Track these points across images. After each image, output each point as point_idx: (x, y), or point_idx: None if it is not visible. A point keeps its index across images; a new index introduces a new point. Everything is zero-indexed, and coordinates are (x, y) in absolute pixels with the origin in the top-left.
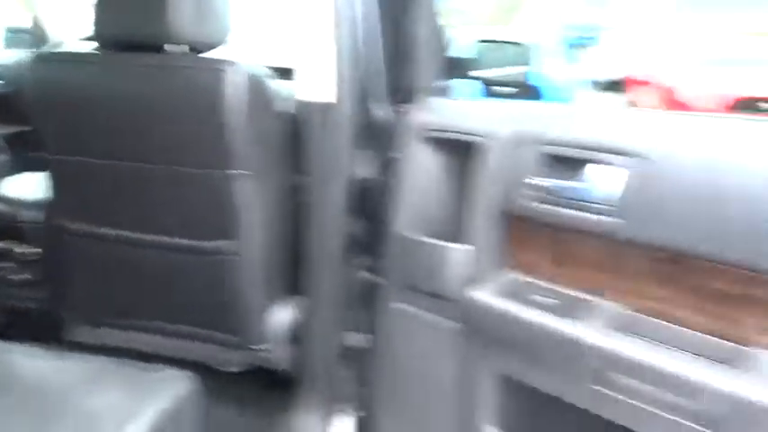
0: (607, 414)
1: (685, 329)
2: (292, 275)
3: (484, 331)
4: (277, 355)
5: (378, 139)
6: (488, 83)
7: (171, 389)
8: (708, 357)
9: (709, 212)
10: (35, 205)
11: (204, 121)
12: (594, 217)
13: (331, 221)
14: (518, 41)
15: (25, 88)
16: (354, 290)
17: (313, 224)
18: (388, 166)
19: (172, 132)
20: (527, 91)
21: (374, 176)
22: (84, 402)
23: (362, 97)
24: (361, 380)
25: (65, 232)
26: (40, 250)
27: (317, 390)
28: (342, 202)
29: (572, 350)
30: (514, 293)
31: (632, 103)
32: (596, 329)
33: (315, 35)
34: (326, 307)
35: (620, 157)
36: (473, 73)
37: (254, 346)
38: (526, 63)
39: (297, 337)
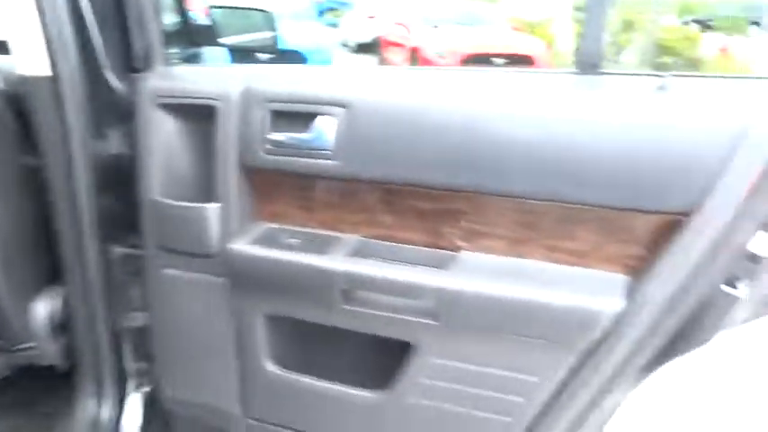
0: (358, 327)
1: (408, 246)
2: (50, 264)
3: (246, 279)
4: (46, 350)
5: (119, 109)
6: (235, 50)
7: None
8: (427, 265)
9: (407, 147)
10: None
11: None
12: (318, 162)
13: (78, 202)
14: (256, 7)
15: None
16: (121, 268)
17: (59, 207)
18: (131, 136)
19: None
20: (284, 56)
21: (122, 148)
22: None
23: (93, 68)
24: (143, 356)
25: None
26: None
27: (98, 377)
28: (88, 180)
29: (322, 279)
30: (268, 240)
31: (385, 63)
32: (339, 258)
33: (19, 3)
34: (90, 291)
35: (329, 108)
36: (220, 40)
37: (16, 347)
38: (272, 29)
39: (64, 327)
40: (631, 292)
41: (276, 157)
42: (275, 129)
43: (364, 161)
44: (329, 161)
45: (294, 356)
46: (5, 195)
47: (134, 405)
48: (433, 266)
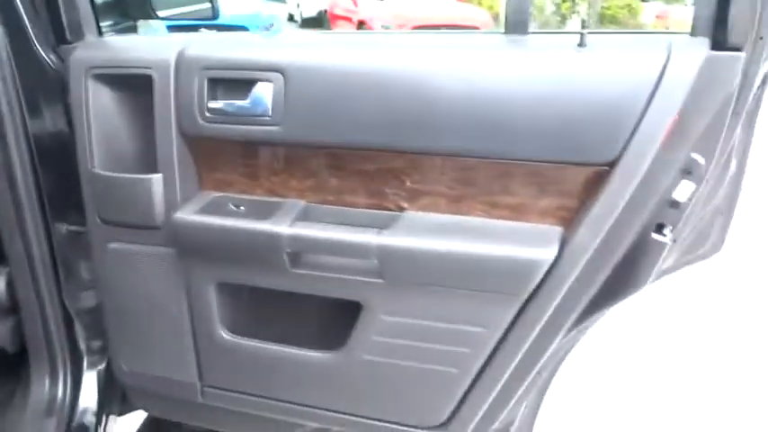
0: (308, 290)
1: (354, 209)
2: None
3: (194, 248)
4: None
5: (53, 84)
6: (172, 23)
7: None
8: (372, 227)
9: (344, 110)
10: None
11: None
12: (258, 128)
13: (16, 181)
14: None
15: None
16: (69, 246)
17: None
18: (68, 109)
19: None
20: (229, 31)
21: (61, 124)
22: None
23: (21, 42)
24: (98, 334)
25: None
26: None
27: (51, 357)
28: (23, 158)
29: (269, 244)
30: (213, 209)
31: None
32: (284, 222)
33: None
34: (35, 271)
35: (266, 73)
36: (157, 13)
37: None
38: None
39: (12, 308)
40: (565, 242)
41: (216, 125)
42: (213, 96)
43: (303, 126)
44: (269, 127)
45: (248, 323)
46: None
47: (90, 383)
48: (377, 227)
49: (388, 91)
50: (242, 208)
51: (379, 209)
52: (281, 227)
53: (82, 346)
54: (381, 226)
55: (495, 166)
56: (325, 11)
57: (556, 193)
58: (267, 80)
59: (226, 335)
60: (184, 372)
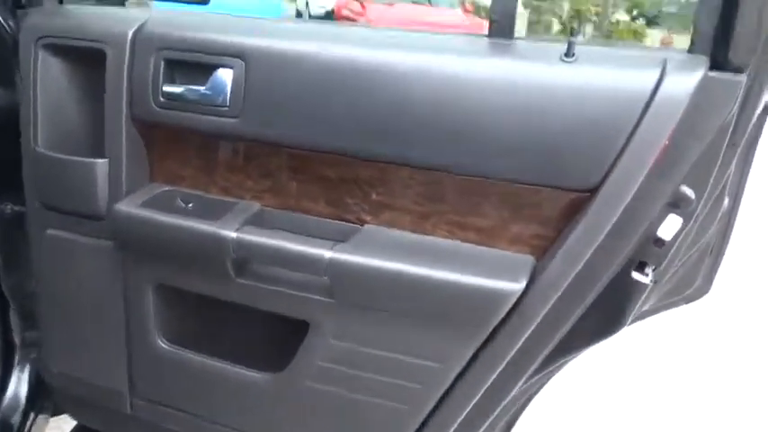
0: (251, 302)
1: (311, 217)
2: None
3: (133, 244)
4: None
5: (9, 51)
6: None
7: None
8: (327, 238)
9: (310, 107)
10: None
11: None
12: (214, 119)
13: None
14: None
15: None
16: (9, 228)
17: None
18: (15, 79)
19: None
20: None
21: (11, 95)
22: None
23: None
24: (33, 325)
25: None
26: None
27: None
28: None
29: (213, 247)
30: (159, 203)
31: None
32: (230, 224)
33: None
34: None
35: (226, 59)
36: None
37: None
38: None
39: None
40: (536, 274)
41: (170, 112)
42: (169, 80)
43: (263, 120)
44: (226, 119)
45: (186, 332)
46: None
47: (19, 378)
48: (335, 240)
49: (357, 90)
50: (190, 205)
51: (338, 219)
52: (227, 230)
53: (16, 336)
54: (339, 239)
55: (466, 183)
56: (332, 10)
57: (529, 219)
58: (227, 66)
59: (162, 343)
60: (114, 379)
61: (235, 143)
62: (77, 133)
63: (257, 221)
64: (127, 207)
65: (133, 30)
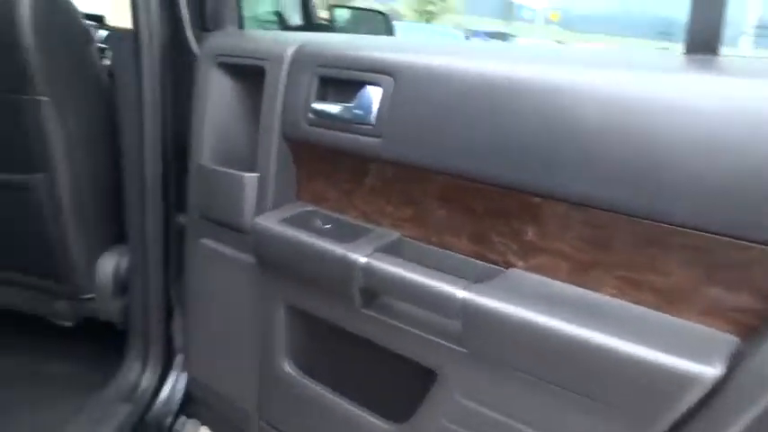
0: (375, 337)
1: (451, 253)
2: (115, 221)
3: (269, 259)
4: (105, 305)
5: (185, 67)
6: None
7: None
8: (468, 278)
9: (462, 130)
10: None
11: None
12: (358, 138)
13: (146, 167)
14: (374, 9)
15: None
16: (182, 239)
17: (128, 169)
18: (191, 94)
19: None
20: None
21: (183, 106)
22: None
23: (174, 25)
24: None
25: None
26: None
27: (146, 344)
28: (158, 144)
29: (341, 271)
30: (298, 221)
31: None
32: (362, 249)
33: None
34: (147, 257)
35: (376, 76)
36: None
37: (81, 296)
38: (389, 32)
39: (124, 287)
40: (738, 359)
41: (318, 129)
42: (321, 97)
43: (408, 141)
44: (370, 138)
45: (314, 359)
46: (86, 141)
47: (175, 381)
48: (476, 280)
49: (517, 113)
50: (328, 226)
51: (482, 259)
52: (357, 254)
53: (178, 341)
54: (480, 279)
55: (643, 228)
56: None
57: (731, 284)
58: (376, 83)
59: (289, 368)
60: (245, 397)
61: (378, 165)
62: (236, 148)
63: (392, 250)
64: (265, 221)
65: (293, 48)
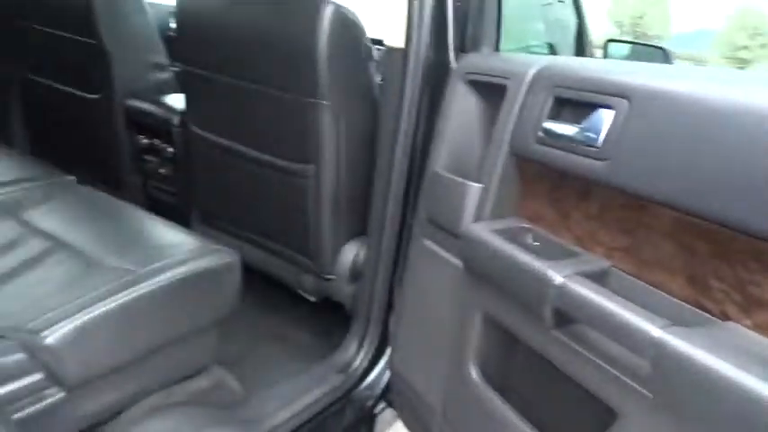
0: (560, 361)
1: (665, 295)
2: (362, 215)
3: (475, 268)
4: (340, 288)
5: (440, 83)
6: None
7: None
8: (675, 321)
9: (696, 162)
10: (181, 113)
11: (298, 51)
12: (582, 159)
13: (394, 166)
14: (654, 44)
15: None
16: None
17: (379, 167)
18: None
19: (270, 59)
20: None
21: (432, 118)
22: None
23: (440, 47)
24: None
25: (190, 135)
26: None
27: (365, 328)
28: (407, 147)
29: (536, 287)
30: (507, 234)
31: None
32: (563, 271)
33: None
34: (383, 249)
35: (611, 98)
36: None
37: (324, 275)
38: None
39: (358, 274)
40: None
41: (545, 148)
42: (553, 117)
43: (635, 168)
44: (594, 160)
45: (499, 370)
46: (353, 143)
47: (385, 369)
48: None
49: (762, 149)
50: (537, 244)
51: (695, 305)
52: (555, 273)
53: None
54: (686, 325)
55: None
56: None
57: None
58: (610, 106)
59: (474, 374)
60: (434, 395)
61: (599, 190)
62: (467, 159)
63: (595, 277)
64: (477, 229)
65: (536, 69)
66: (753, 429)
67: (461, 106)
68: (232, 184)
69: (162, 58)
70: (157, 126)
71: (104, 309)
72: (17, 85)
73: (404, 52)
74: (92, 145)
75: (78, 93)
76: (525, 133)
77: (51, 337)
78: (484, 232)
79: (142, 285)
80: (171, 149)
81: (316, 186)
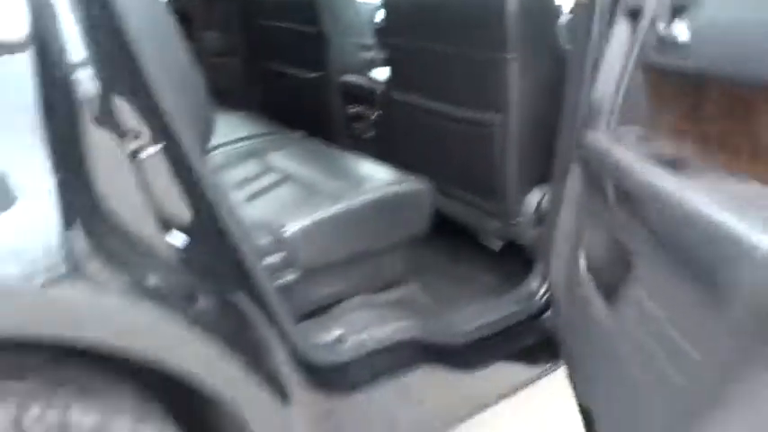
0: None
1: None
2: (546, 163)
3: (594, 174)
4: (524, 232)
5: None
6: None
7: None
8: None
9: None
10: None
11: (491, 11)
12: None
13: (577, 119)
14: None
15: None
16: None
17: (563, 118)
18: None
19: (466, 20)
20: None
21: None
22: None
23: None
24: None
25: (392, 100)
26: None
27: (547, 270)
28: (587, 100)
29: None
30: (624, 140)
31: None
32: (677, 180)
33: None
34: (564, 197)
35: None
36: None
37: (509, 220)
38: None
39: (542, 217)
40: None
41: (660, 55)
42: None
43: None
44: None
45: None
46: (540, 96)
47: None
48: None
49: None
50: (653, 151)
51: None
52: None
53: None
54: None
55: None
56: None
57: None
58: None
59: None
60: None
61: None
62: None
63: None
64: (595, 137)
65: None
66: None
67: (620, 39)
68: (427, 139)
69: (368, 39)
70: (364, 96)
71: (325, 215)
72: (255, 73)
73: (589, 5)
74: (312, 115)
75: (301, 73)
76: (648, 42)
77: (290, 230)
78: (598, 137)
79: (353, 201)
80: (375, 114)
81: (503, 135)
